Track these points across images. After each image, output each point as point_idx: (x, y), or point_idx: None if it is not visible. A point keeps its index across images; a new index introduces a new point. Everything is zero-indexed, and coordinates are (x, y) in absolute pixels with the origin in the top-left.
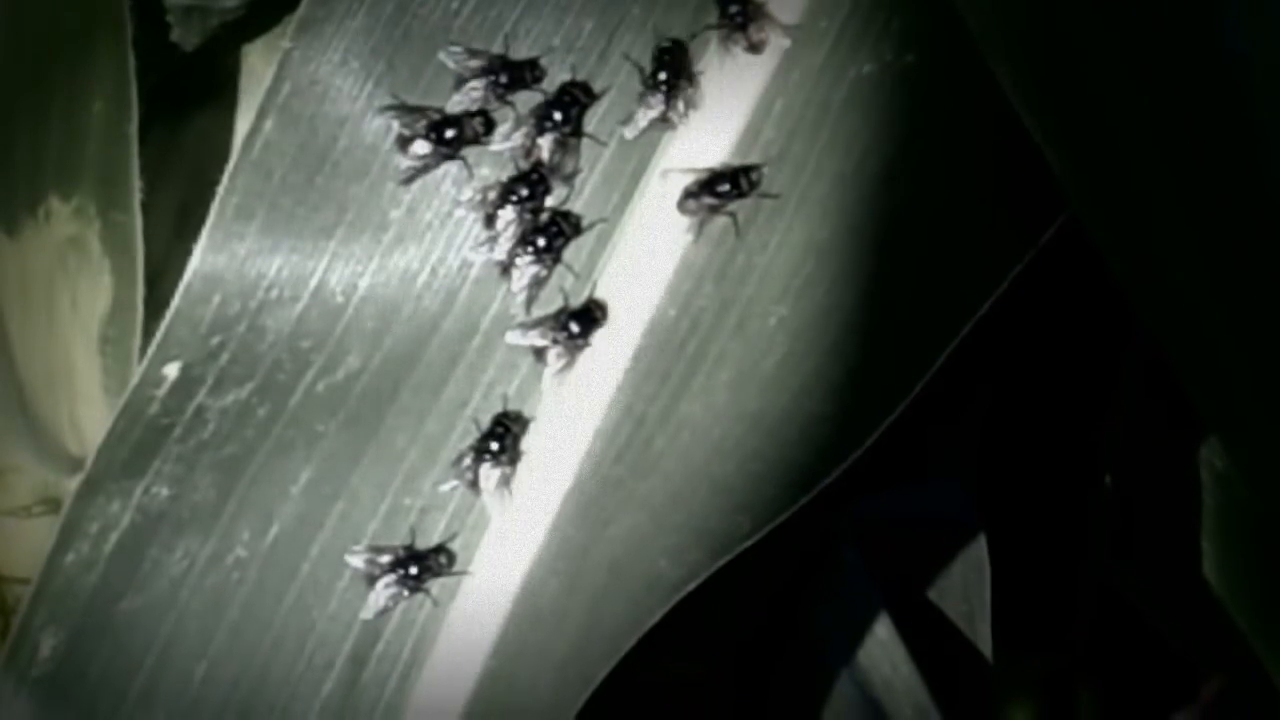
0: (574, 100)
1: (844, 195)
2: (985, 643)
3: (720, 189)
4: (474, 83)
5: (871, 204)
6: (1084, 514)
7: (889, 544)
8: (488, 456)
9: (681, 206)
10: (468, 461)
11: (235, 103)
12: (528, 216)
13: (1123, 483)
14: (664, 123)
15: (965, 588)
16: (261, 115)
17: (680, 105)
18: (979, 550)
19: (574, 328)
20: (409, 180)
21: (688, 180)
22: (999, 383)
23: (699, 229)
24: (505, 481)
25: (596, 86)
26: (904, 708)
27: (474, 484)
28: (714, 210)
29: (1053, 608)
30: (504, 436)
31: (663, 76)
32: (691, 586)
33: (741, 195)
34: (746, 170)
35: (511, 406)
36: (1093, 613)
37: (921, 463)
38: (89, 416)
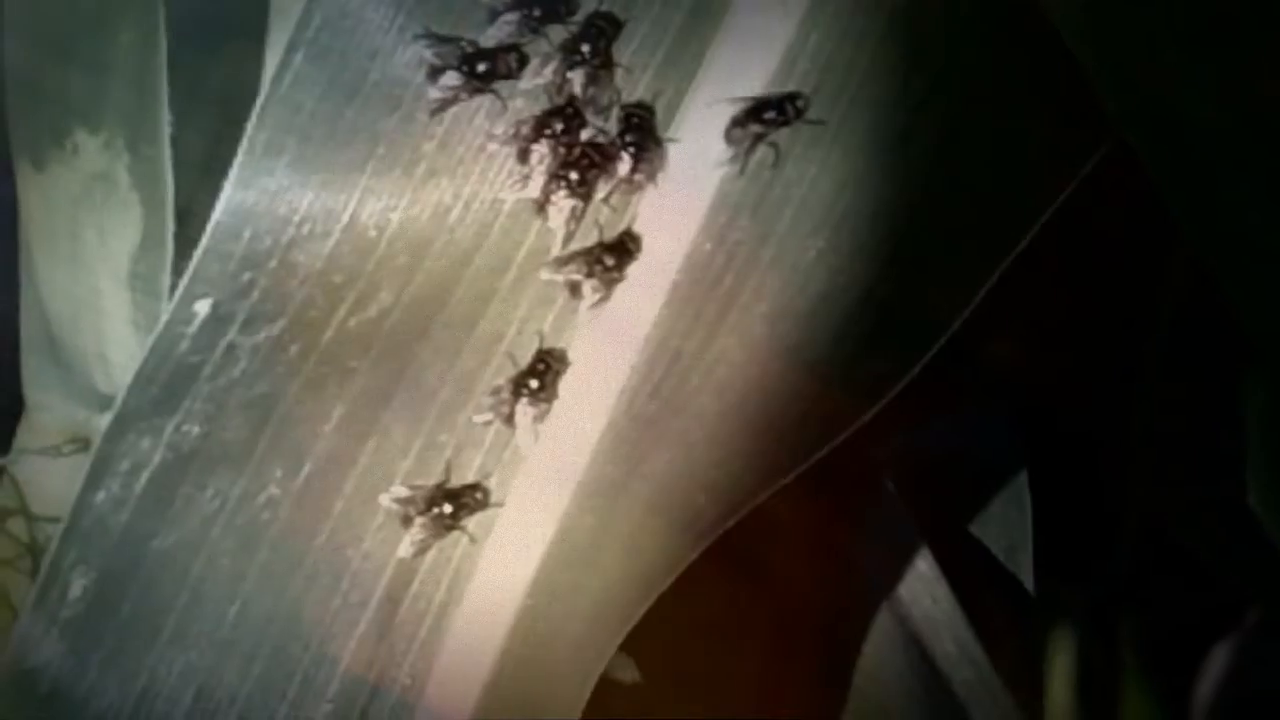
0: (600, 32)
1: (880, 127)
2: (1026, 575)
3: (766, 116)
4: (507, 15)
5: (908, 136)
6: (1126, 445)
7: (929, 478)
8: (525, 392)
9: (728, 135)
10: (504, 396)
11: (265, 35)
12: (562, 151)
13: (1165, 413)
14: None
15: (1006, 520)
16: (291, 48)
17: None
18: (1020, 482)
19: (608, 261)
20: (438, 111)
21: (734, 110)
22: (1039, 314)
23: (744, 158)
24: (541, 418)
25: (630, 18)
26: (945, 641)
27: (509, 419)
28: (759, 139)
29: (1095, 538)
30: (544, 374)
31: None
32: (729, 524)
33: (787, 122)
34: (792, 97)
35: (546, 342)
36: (1135, 542)
37: (962, 396)
38: (118, 354)
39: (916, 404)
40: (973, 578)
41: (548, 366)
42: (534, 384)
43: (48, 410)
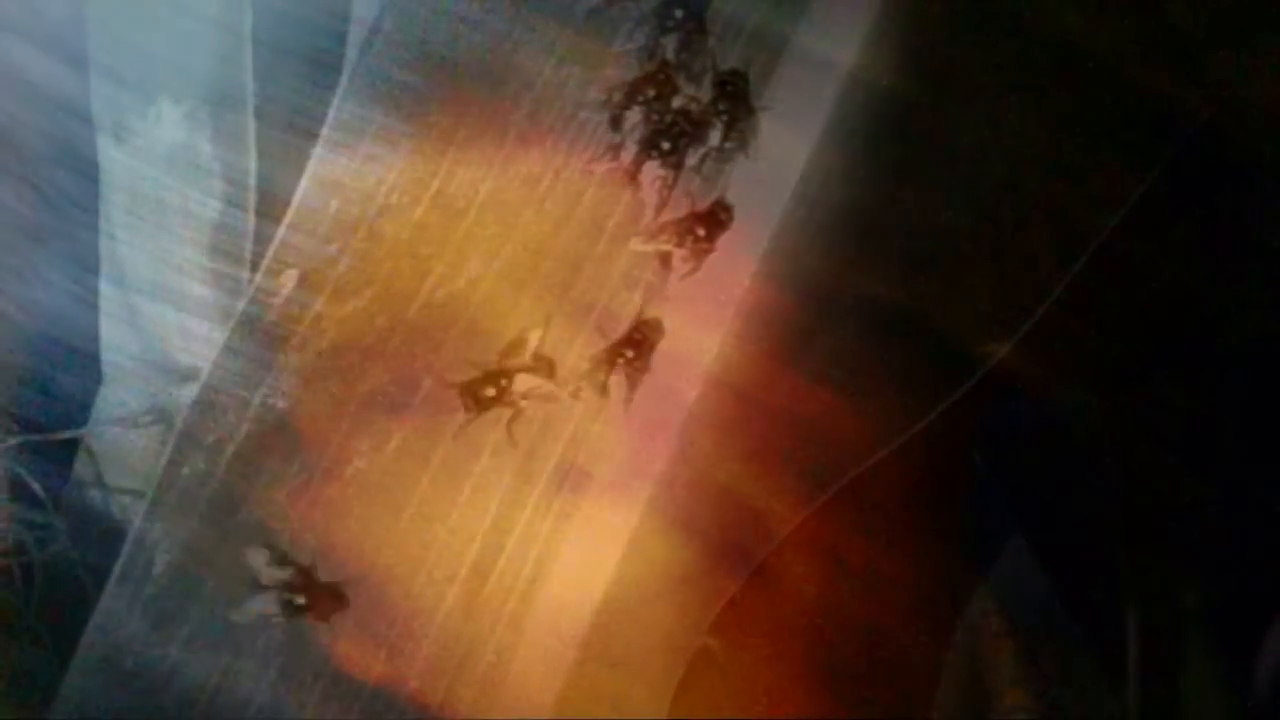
0: None
1: (971, 102)
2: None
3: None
4: None
5: (999, 111)
6: (1215, 415)
7: (1020, 451)
8: (620, 362)
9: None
10: (598, 366)
11: (350, 4)
12: (654, 118)
13: (1254, 381)
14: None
15: (1095, 492)
16: (380, 16)
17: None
18: (1109, 455)
19: (700, 232)
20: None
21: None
22: (1126, 288)
23: (835, 128)
24: (635, 388)
25: None
26: (1034, 614)
27: (603, 390)
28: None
29: (1183, 508)
30: (639, 344)
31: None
32: (823, 498)
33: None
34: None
35: (640, 313)
36: (1203, 514)
37: (1050, 369)
38: (199, 325)
39: (1007, 378)
40: (1062, 550)
41: (643, 337)
42: (629, 354)
43: (126, 382)
